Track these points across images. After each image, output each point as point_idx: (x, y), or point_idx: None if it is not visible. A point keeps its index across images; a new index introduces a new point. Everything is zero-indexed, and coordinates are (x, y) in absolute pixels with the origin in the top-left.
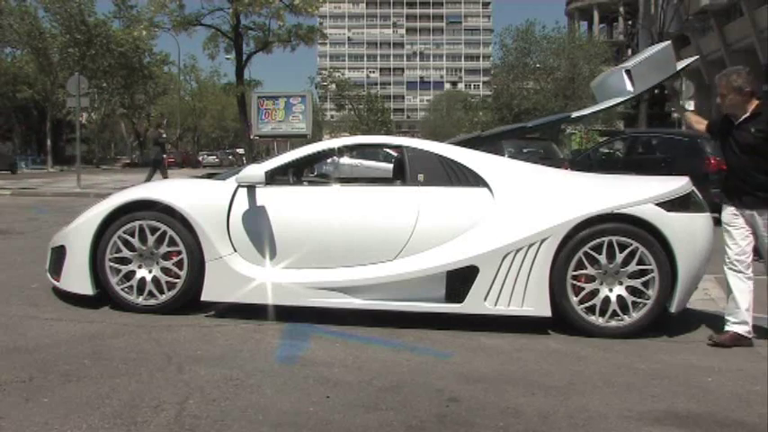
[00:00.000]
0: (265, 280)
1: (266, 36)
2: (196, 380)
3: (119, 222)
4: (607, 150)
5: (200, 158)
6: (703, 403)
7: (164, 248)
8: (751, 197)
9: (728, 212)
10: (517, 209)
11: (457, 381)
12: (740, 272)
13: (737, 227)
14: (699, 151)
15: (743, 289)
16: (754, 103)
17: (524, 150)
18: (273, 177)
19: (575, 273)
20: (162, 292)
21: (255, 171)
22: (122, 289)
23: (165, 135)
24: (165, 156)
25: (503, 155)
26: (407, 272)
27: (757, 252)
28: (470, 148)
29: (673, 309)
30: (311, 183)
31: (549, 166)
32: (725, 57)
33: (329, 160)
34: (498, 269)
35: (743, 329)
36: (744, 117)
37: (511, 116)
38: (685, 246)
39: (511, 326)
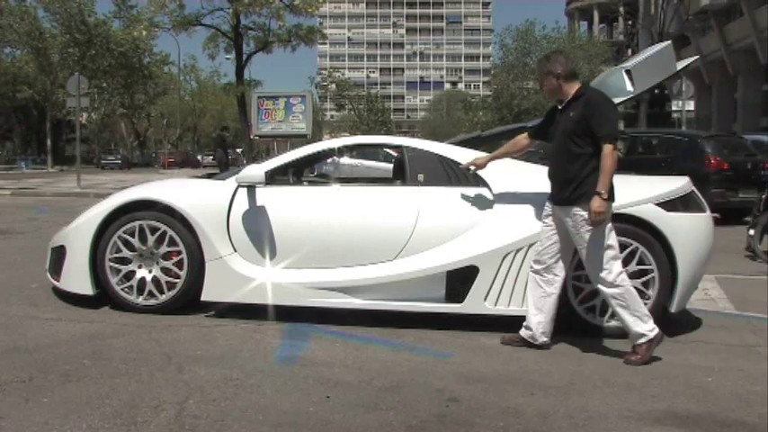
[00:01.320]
0: (265, 280)
1: (266, 36)
2: (196, 380)
3: (119, 222)
4: None
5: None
6: (703, 403)
7: (164, 248)
8: (563, 192)
9: (546, 207)
10: (517, 209)
11: (457, 381)
12: (537, 273)
13: (548, 224)
14: (699, 151)
15: (536, 293)
16: (575, 85)
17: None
18: (273, 177)
19: (575, 273)
20: (162, 292)
21: (255, 171)
22: (122, 289)
23: (229, 137)
24: (229, 157)
25: None
26: (407, 272)
27: (754, 252)
28: (470, 148)
29: (673, 309)
30: (311, 183)
31: None
32: (725, 57)
33: (329, 160)
34: (498, 269)
35: (526, 334)
36: (566, 102)
37: (511, 116)
38: (685, 246)
39: (511, 326)
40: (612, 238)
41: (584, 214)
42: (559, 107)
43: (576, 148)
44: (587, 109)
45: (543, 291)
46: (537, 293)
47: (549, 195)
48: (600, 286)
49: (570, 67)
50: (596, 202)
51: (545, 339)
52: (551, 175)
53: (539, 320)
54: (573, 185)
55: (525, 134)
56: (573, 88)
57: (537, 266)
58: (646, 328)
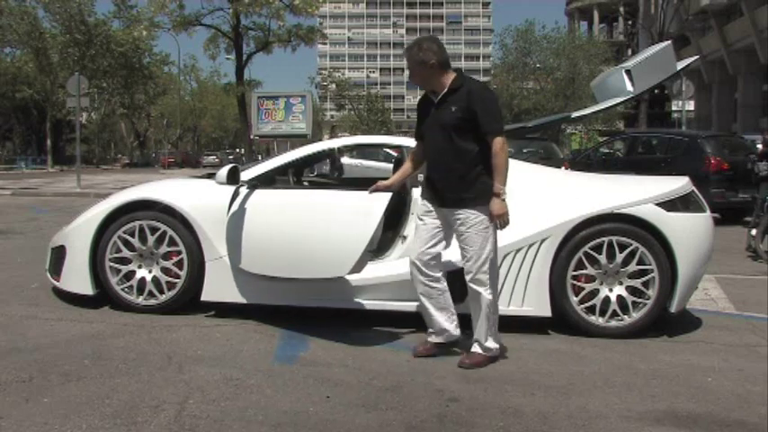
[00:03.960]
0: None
1: (266, 36)
2: (196, 380)
3: (119, 222)
4: (607, 150)
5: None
6: (703, 403)
7: (164, 248)
8: (449, 192)
9: (421, 206)
10: (517, 209)
11: (457, 381)
12: (424, 274)
13: (425, 223)
14: (699, 151)
15: (432, 295)
16: (450, 75)
17: (524, 150)
18: (273, 178)
19: (575, 273)
20: (162, 292)
21: (221, 172)
22: (122, 289)
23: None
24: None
25: None
26: (407, 272)
27: (755, 251)
28: None
29: (673, 309)
30: (312, 183)
31: (550, 166)
32: (725, 57)
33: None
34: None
35: (440, 338)
36: (442, 94)
37: (511, 116)
38: (685, 246)
39: (511, 326)
40: (495, 241)
41: (478, 217)
42: (435, 99)
43: (462, 144)
44: (472, 103)
45: (437, 290)
46: (433, 295)
47: (424, 194)
48: (474, 286)
49: (444, 56)
50: (496, 206)
51: (458, 331)
52: (432, 174)
53: (446, 317)
54: (463, 187)
55: (418, 142)
56: (448, 79)
57: (424, 269)
58: (497, 345)
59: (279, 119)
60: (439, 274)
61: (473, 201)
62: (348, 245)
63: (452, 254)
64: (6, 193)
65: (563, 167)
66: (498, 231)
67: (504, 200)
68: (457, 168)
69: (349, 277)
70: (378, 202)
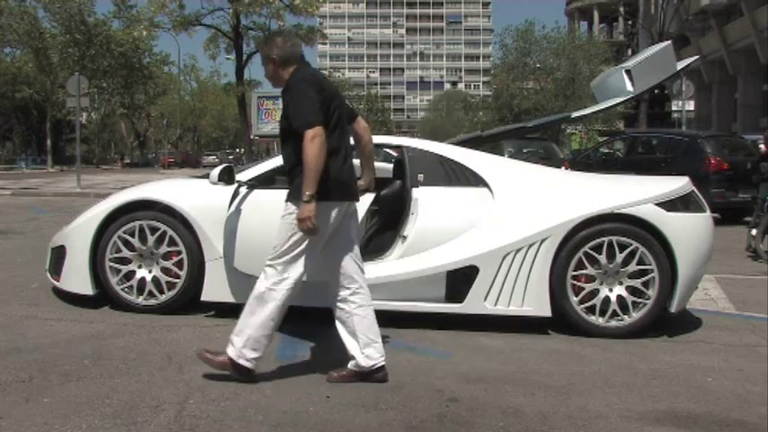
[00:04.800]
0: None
1: (266, 36)
2: (196, 380)
3: (119, 222)
4: (607, 150)
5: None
6: (703, 403)
7: (164, 248)
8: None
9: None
10: (517, 209)
11: (457, 381)
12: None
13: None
14: (699, 151)
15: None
16: (291, 71)
17: (524, 150)
18: (273, 178)
19: (575, 273)
20: (162, 292)
21: (213, 173)
22: (122, 289)
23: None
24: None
25: (503, 155)
26: (407, 272)
27: (755, 251)
28: (470, 148)
29: (673, 309)
30: None
31: (550, 166)
32: (725, 57)
33: None
34: (498, 269)
35: (353, 365)
36: (282, 90)
37: (511, 116)
38: (685, 246)
39: (511, 326)
40: (302, 246)
41: (288, 210)
42: None
43: (288, 141)
44: (284, 96)
45: (344, 311)
46: (341, 317)
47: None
48: (258, 281)
49: (287, 51)
50: (300, 210)
51: (369, 361)
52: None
53: (354, 343)
54: (289, 180)
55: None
56: (288, 75)
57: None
58: (250, 355)
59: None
60: (345, 293)
61: (290, 194)
62: None
63: (450, 254)
64: (6, 193)
65: (563, 167)
66: (499, 231)
67: (308, 202)
68: (286, 165)
69: None
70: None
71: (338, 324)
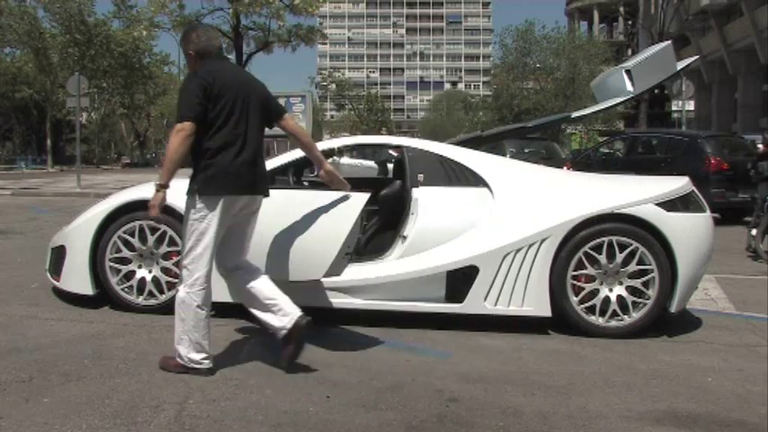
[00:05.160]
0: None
1: (266, 36)
2: (196, 380)
3: (119, 222)
4: (607, 150)
5: None
6: (703, 403)
7: (164, 248)
8: None
9: None
10: (517, 209)
11: (457, 381)
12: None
13: None
14: (699, 151)
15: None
16: (201, 63)
17: (526, 150)
18: (273, 178)
19: (575, 273)
20: (162, 292)
21: None
22: (122, 289)
23: None
24: None
25: (504, 155)
26: (407, 272)
27: (755, 251)
28: (470, 148)
29: (673, 309)
30: (312, 184)
31: (552, 166)
32: (725, 57)
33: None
34: (498, 269)
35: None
36: None
37: (511, 116)
38: (685, 246)
39: (511, 326)
40: (205, 242)
41: (187, 206)
42: None
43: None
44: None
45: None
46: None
47: None
48: (178, 286)
49: (201, 45)
50: (152, 197)
51: (292, 322)
52: None
53: (272, 315)
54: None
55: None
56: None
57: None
58: (197, 357)
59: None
60: (238, 281)
61: (187, 191)
62: (321, 247)
63: (450, 254)
64: (6, 193)
65: (565, 167)
66: (499, 231)
67: (157, 191)
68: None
69: (349, 277)
70: (353, 203)
71: (249, 310)
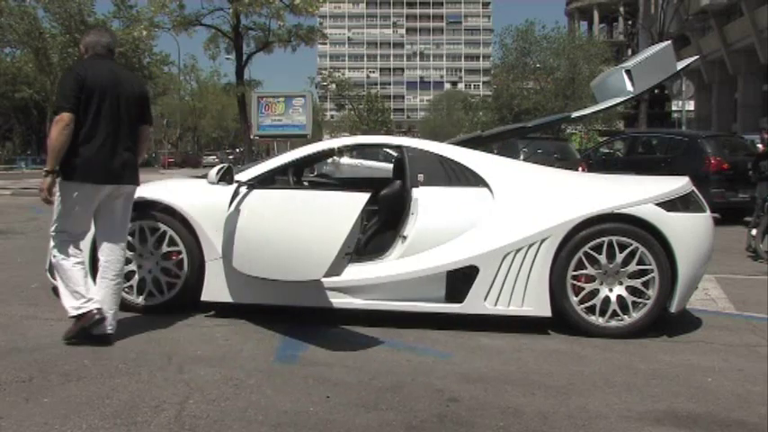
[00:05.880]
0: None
1: (266, 36)
2: (196, 380)
3: None
4: (607, 150)
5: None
6: (703, 403)
7: (164, 248)
8: None
9: None
10: (517, 209)
11: (457, 381)
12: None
13: None
14: (699, 151)
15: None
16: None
17: (539, 151)
18: (273, 178)
19: (575, 273)
20: (162, 292)
21: (212, 172)
22: (122, 289)
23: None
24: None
25: (518, 155)
26: (407, 272)
27: (755, 251)
28: (470, 148)
29: (673, 309)
30: (312, 183)
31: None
32: (725, 57)
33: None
34: (498, 269)
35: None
36: None
37: (511, 116)
38: (685, 246)
39: (511, 326)
40: (61, 219)
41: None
42: None
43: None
44: None
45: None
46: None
47: None
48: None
49: (86, 42)
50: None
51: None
52: None
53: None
54: None
55: None
56: None
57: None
58: (75, 304)
59: (279, 112)
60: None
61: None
62: (321, 247)
63: (450, 254)
64: (6, 193)
65: (580, 168)
66: (499, 231)
67: (44, 177)
68: None
69: (349, 277)
70: (353, 203)
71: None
